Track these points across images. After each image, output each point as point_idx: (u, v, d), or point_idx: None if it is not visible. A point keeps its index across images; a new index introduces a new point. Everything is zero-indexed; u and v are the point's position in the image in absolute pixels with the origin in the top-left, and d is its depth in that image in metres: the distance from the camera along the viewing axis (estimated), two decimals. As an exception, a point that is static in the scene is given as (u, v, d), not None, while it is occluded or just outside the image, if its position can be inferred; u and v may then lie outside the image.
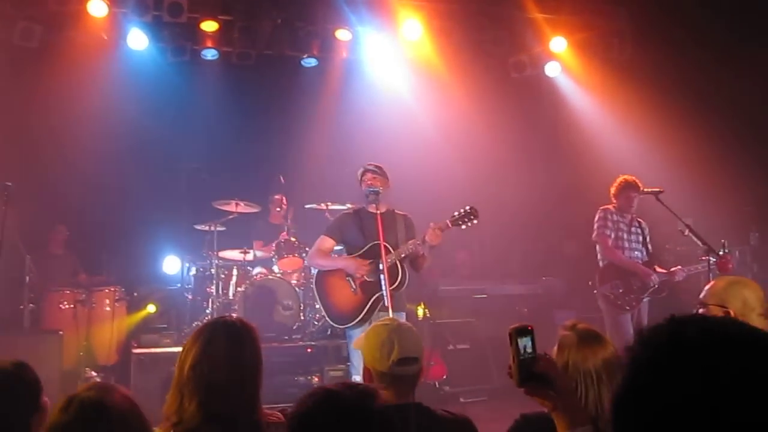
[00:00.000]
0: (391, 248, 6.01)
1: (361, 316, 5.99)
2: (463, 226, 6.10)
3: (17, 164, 8.47)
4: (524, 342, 2.33)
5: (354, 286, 6.09)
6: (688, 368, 1.20)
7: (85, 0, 8.12)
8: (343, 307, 6.11)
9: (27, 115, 8.98)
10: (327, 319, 6.37)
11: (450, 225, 6.05)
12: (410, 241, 6.09)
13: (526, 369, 2.34)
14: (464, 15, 9.38)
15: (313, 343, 8.40)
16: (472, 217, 6.08)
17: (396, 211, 6.37)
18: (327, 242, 6.33)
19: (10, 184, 6.28)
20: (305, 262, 8.11)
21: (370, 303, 6.00)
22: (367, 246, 6.11)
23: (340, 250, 6.52)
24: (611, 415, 1.28)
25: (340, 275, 6.16)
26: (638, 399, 1.24)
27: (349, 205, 7.29)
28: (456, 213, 6.10)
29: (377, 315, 5.95)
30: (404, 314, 6.05)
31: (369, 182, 6.19)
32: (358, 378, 5.78)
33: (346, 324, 6.10)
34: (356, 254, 6.16)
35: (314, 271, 6.64)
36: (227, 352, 2.79)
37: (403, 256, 6.02)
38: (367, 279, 6.05)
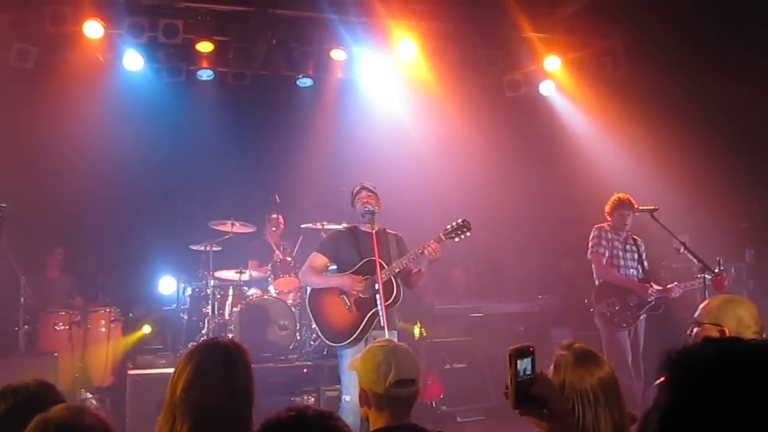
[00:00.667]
0: (385, 265, 6.01)
1: (356, 333, 5.96)
2: (456, 239, 6.11)
3: (13, 185, 8.44)
4: (524, 363, 2.32)
5: (349, 303, 6.06)
6: (742, 379, 1.38)
7: (81, 21, 8.14)
8: (338, 325, 6.06)
9: (23, 136, 8.98)
10: (321, 337, 6.30)
11: (443, 238, 6.06)
12: (405, 255, 6.09)
13: (522, 391, 2.33)
14: (458, 34, 9.41)
15: (309, 363, 8.38)
16: (465, 229, 6.10)
17: (387, 230, 6.37)
18: (320, 259, 6.30)
19: (4, 205, 6.26)
20: (299, 280, 8.03)
21: (365, 320, 5.97)
22: (361, 262, 6.10)
23: (333, 269, 6.47)
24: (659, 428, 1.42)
25: (334, 293, 6.13)
26: (695, 412, 1.39)
27: (345, 225, 7.28)
28: (449, 226, 6.12)
29: (371, 333, 5.95)
30: (396, 333, 6.02)
31: (364, 200, 6.19)
32: (347, 398, 5.78)
33: (341, 342, 6.03)
34: (350, 271, 6.14)
35: (308, 290, 6.58)
36: (220, 373, 2.77)
37: (397, 271, 6.02)
38: (362, 295, 6.03)
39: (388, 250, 6.17)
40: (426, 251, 5.97)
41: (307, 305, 6.36)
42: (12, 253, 7.47)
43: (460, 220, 6.13)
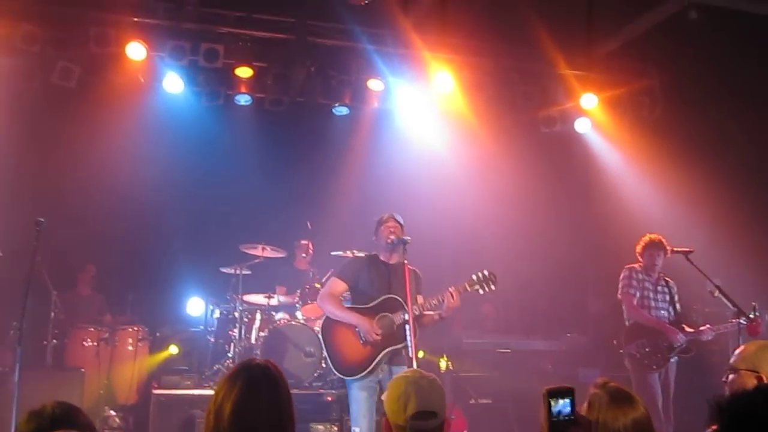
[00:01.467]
0: (403, 302, 5.89)
1: (368, 369, 5.87)
2: (481, 291, 6.05)
3: (50, 201, 8.60)
4: (561, 404, 2.28)
5: (363, 338, 5.93)
6: None
7: (124, 43, 8.28)
8: (350, 358, 5.96)
9: (62, 154, 9.15)
10: (331, 367, 6.17)
11: (468, 289, 6.00)
12: (425, 302, 6.00)
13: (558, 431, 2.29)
14: (495, 69, 9.45)
15: (333, 391, 8.32)
16: (490, 282, 6.04)
17: (406, 263, 6.29)
18: (340, 286, 6.20)
19: (42, 219, 6.34)
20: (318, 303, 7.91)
21: (378, 357, 5.88)
22: (381, 298, 6.02)
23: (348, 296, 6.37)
24: None
25: (348, 325, 6.01)
26: None
27: (365, 253, 7.18)
28: (474, 276, 6.05)
29: (383, 367, 5.90)
30: (405, 368, 5.90)
31: (392, 230, 6.13)
32: (356, 429, 5.72)
33: (351, 375, 5.93)
34: (369, 305, 6.03)
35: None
36: (267, 396, 2.72)
37: (416, 314, 5.94)
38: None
39: (405, 285, 6.06)
40: (446, 302, 5.91)
41: (320, 332, 6.28)
42: (45, 268, 7.54)
43: (486, 272, 6.06)
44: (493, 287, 6.05)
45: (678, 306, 7.47)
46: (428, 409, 3.02)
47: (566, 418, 2.28)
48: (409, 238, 6.02)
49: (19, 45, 7.98)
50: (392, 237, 6.07)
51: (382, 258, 6.23)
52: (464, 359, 9.17)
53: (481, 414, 8.71)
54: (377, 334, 5.87)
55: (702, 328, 7.26)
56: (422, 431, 3.02)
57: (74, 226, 9.06)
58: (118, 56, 8.43)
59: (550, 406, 2.27)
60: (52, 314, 8.24)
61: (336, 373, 6.18)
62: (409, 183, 9.94)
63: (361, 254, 7.21)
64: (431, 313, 6.05)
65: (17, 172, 8.93)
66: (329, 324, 6.14)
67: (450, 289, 5.93)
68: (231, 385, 2.72)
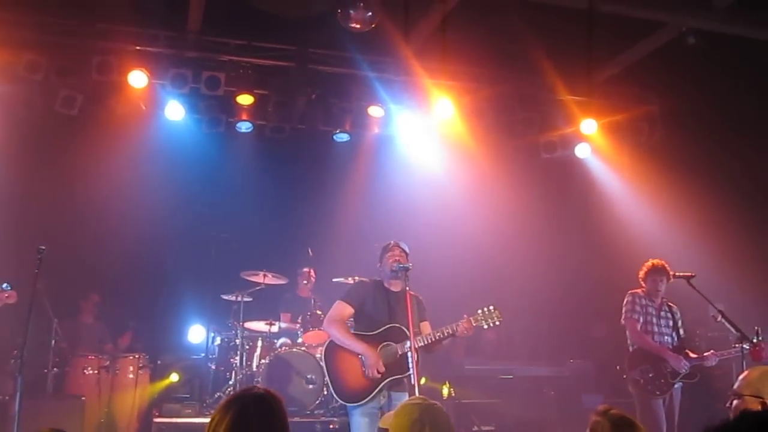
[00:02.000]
0: (406, 332, 5.87)
1: (370, 396, 5.84)
2: (485, 326, 6.09)
3: (52, 229, 8.60)
4: None
5: (366, 368, 5.91)
6: None
7: (126, 71, 8.34)
8: (353, 385, 5.92)
9: (64, 181, 9.17)
10: (333, 392, 6.13)
11: (473, 323, 6.04)
12: (437, 330, 6.02)
13: None
14: (495, 96, 9.50)
15: (335, 418, 8.27)
16: (495, 318, 6.09)
17: (409, 291, 6.28)
18: (347, 310, 6.15)
19: (43, 247, 6.34)
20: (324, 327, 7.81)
21: (381, 385, 5.85)
22: (386, 327, 5.99)
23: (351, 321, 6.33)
24: None
25: (352, 352, 5.97)
26: None
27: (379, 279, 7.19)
28: (480, 311, 6.09)
29: (384, 394, 5.87)
30: (407, 395, 5.88)
31: (397, 258, 6.13)
32: None
33: (353, 402, 5.89)
34: (374, 332, 6.00)
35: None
36: (258, 425, 2.72)
37: (422, 345, 5.94)
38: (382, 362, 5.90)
39: (410, 314, 6.06)
40: (459, 332, 5.96)
41: (323, 356, 6.19)
42: (46, 295, 7.53)
43: (492, 307, 6.11)
44: (497, 323, 6.10)
45: (681, 331, 7.44)
46: None
47: None
48: (410, 264, 6.02)
49: (22, 73, 8.05)
50: (393, 265, 6.07)
51: (386, 285, 6.22)
52: (467, 386, 9.13)
53: (484, 441, 8.66)
54: (379, 371, 5.83)
55: (706, 353, 7.22)
56: None
57: (76, 253, 9.07)
58: (120, 84, 8.49)
59: None
60: (53, 342, 8.20)
61: (337, 398, 6.12)
62: (410, 209, 9.95)
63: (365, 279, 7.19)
64: (439, 339, 6.04)
65: (19, 200, 8.94)
66: (332, 349, 6.09)
67: (464, 320, 5.99)
68: (224, 413, 2.72)
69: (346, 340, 6.01)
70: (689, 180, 9.01)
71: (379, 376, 5.84)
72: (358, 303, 6.15)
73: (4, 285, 5.95)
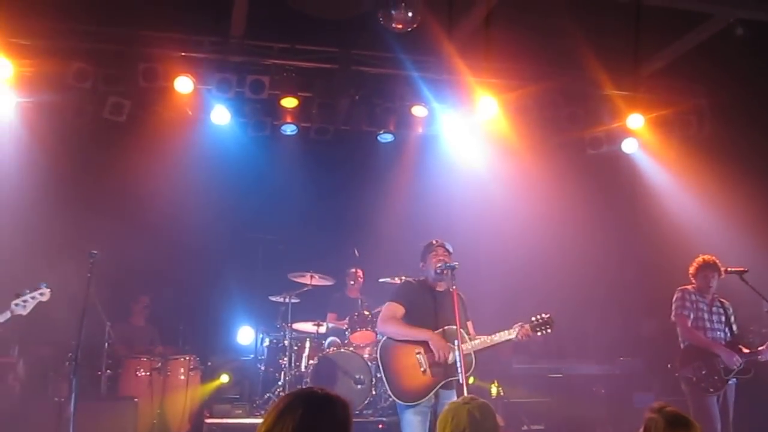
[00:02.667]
0: (464, 334, 5.89)
1: (427, 397, 5.83)
2: (539, 333, 6.10)
3: (103, 233, 8.76)
4: None
5: (424, 366, 5.88)
6: None
7: (172, 78, 8.46)
8: (410, 385, 5.90)
9: (114, 186, 9.34)
10: (389, 391, 6.09)
11: (530, 331, 6.05)
12: (495, 335, 6.00)
13: None
14: (539, 92, 9.41)
15: (384, 419, 8.29)
16: (548, 326, 6.10)
17: (456, 290, 6.25)
18: (399, 309, 6.09)
19: (95, 252, 6.46)
20: (378, 328, 7.52)
21: (438, 386, 5.84)
22: (440, 330, 5.95)
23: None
24: None
25: (409, 351, 5.94)
26: None
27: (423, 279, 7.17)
28: (534, 318, 6.09)
29: (437, 392, 5.85)
30: (455, 393, 5.87)
31: (441, 257, 6.11)
32: None
33: (410, 401, 5.87)
34: None
35: (381, 340, 6.34)
36: (298, 424, 2.60)
37: (480, 348, 5.94)
38: (438, 361, 5.88)
39: (459, 314, 6.05)
40: (518, 337, 5.99)
41: (378, 356, 6.19)
42: (98, 299, 7.67)
43: (545, 315, 6.11)
44: (549, 330, 6.11)
45: (735, 327, 7.31)
46: None
47: None
48: (457, 263, 6.00)
49: (71, 82, 8.20)
50: (440, 265, 6.06)
51: (431, 284, 6.21)
52: (516, 384, 9.08)
53: (534, 440, 8.61)
54: (448, 349, 5.81)
55: (760, 348, 7.08)
56: None
57: (126, 257, 9.21)
58: (166, 90, 8.61)
59: None
60: (106, 345, 8.35)
61: (393, 397, 6.09)
62: (455, 208, 9.94)
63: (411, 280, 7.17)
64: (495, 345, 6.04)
65: (71, 206, 9.13)
66: (387, 348, 6.07)
67: (523, 327, 6.03)
68: (271, 411, 2.63)
69: (408, 332, 5.98)
70: (740, 174, 8.83)
71: (449, 355, 5.82)
72: (407, 303, 6.11)
73: (42, 284, 6.08)
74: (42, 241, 8.70)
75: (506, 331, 6.00)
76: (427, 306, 6.09)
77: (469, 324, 6.17)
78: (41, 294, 6.05)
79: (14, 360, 8.10)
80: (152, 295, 9.53)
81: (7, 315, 5.91)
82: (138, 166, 9.15)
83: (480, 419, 3.05)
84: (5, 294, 6.47)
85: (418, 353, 5.92)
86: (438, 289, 6.17)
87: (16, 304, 5.91)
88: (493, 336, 5.97)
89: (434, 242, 6.24)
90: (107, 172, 9.25)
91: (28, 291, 6.00)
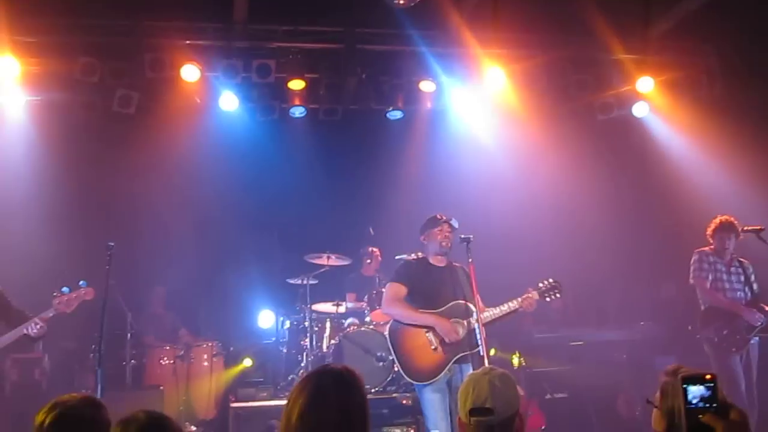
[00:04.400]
0: (472, 306, 5.92)
1: (441, 374, 5.87)
2: (547, 299, 6.12)
3: (119, 225, 8.84)
4: (697, 391, 2.23)
5: (435, 344, 5.92)
6: None
7: (178, 66, 8.46)
8: (422, 364, 5.95)
9: (127, 178, 9.39)
10: (402, 372, 6.14)
11: (537, 296, 6.05)
12: (503, 306, 6.01)
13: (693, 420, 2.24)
14: (548, 61, 9.33)
15: (407, 394, 8.33)
16: (556, 290, 6.12)
17: (454, 263, 6.25)
18: (401, 290, 6.10)
19: (112, 243, 6.51)
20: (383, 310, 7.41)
21: (450, 363, 5.88)
22: (450, 304, 5.99)
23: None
24: None
25: (419, 331, 5.97)
26: None
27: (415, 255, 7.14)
28: (541, 284, 6.12)
29: (452, 368, 5.88)
30: (471, 366, 5.90)
31: (447, 234, 6.11)
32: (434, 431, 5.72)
33: (423, 381, 5.92)
34: (438, 310, 6.00)
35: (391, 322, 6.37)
36: (334, 400, 2.72)
37: (489, 321, 5.96)
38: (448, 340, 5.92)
39: (461, 286, 6.07)
40: (524, 306, 5.99)
41: (388, 338, 6.22)
42: (119, 290, 7.74)
43: (551, 280, 6.13)
44: (558, 295, 6.12)
45: (755, 286, 7.29)
46: (482, 405, 3.00)
47: (705, 406, 2.21)
48: (472, 236, 6.00)
49: (78, 77, 8.23)
50: (447, 242, 6.09)
51: (431, 261, 6.22)
52: (537, 354, 9.10)
53: (558, 408, 8.63)
54: (456, 333, 5.86)
55: (781, 304, 7.07)
56: (481, 427, 3.00)
57: (143, 247, 9.30)
58: (173, 79, 8.61)
59: (686, 393, 2.22)
60: (129, 335, 8.44)
61: (406, 377, 6.14)
62: (466, 180, 9.91)
63: (410, 258, 7.14)
64: (502, 316, 6.05)
65: (86, 199, 9.21)
66: (396, 330, 6.11)
67: (528, 295, 6.03)
68: (301, 389, 2.75)
69: (412, 316, 6.01)
70: (754, 132, 8.73)
71: (458, 338, 5.85)
72: (409, 283, 6.12)
73: (81, 282, 6.13)
74: (58, 237, 8.76)
75: (510, 302, 6.02)
76: (428, 284, 6.10)
77: (477, 297, 6.14)
78: (85, 293, 6.12)
79: (40, 355, 8.18)
80: (171, 284, 9.59)
81: (51, 312, 6.00)
82: (149, 157, 9.18)
83: (501, 388, 3.05)
84: (32, 290, 6.58)
85: (428, 332, 5.96)
86: (438, 264, 6.17)
87: (59, 303, 5.99)
88: (501, 306, 5.99)
89: (438, 217, 6.22)
90: (119, 165, 9.29)
91: (67, 289, 6.06)
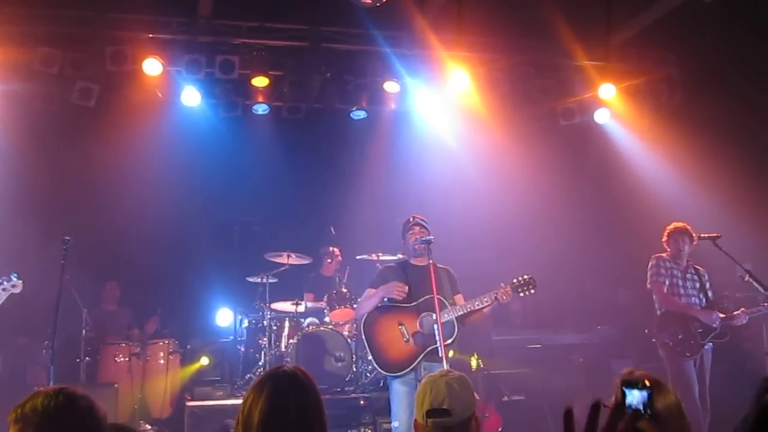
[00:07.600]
0: (445, 302, 5.99)
1: (412, 365, 5.96)
2: (521, 294, 6.18)
3: (75, 220, 8.69)
4: (638, 397, 2.22)
5: (407, 336, 6.04)
6: None
7: (140, 60, 8.36)
8: (393, 355, 6.06)
9: (85, 172, 9.23)
10: (375, 364, 6.26)
11: (511, 291, 6.09)
12: (475, 299, 6.07)
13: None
14: (511, 65, 9.40)
15: (365, 395, 8.32)
16: (530, 286, 6.19)
17: (438, 264, 6.32)
18: None
19: (68, 238, 6.41)
20: (356, 314, 7.79)
21: (421, 356, 5.96)
22: (423, 298, 6.06)
23: (386, 303, 6.30)
24: None
25: (392, 324, 6.10)
26: None
27: (400, 256, 7.27)
28: (515, 280, 6.18)
29: (423, 364, 5.95)
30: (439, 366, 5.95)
31: (417, 234, 6.20)
32: (396, 424, 5.88)
33: (395, 372, 6.03)
34: (412, 304, 6.10)
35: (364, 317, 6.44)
36: (294, 404, 2.70)
37: (461, 314, 6.02)
38: (422, 331, 6.01)
39: (440, 285, 6.12)
40: (499, 298, 6.03)
41: (362, 330, 6.30)
42: (73, 286, 7.61)
43: (527, 276, 6.20)
44: (532, 291, 6.20)
45: (710, 293, 7.39)
46: (439, 407, 3.02)
47: (641, 412, 2.21)
48: (432, 237, 6.06)
49: (37, 68, 8.09)
50: (415, 240, 6.18)
51: (412, 262, 6.33)
52: (495, 357, 9.13)
53: (515, 410, 8.65)
54: (402, 288, 6.02)
55: (736, 312, 7.18)
56: (438, 429, 3.01)
57: (100, 242, 9.16)
58: (135, 73, 8.52)
59: (624, 394, 2.21)
60: (84, 332, 8.30)
61: (378, 369, 6.25)
62: (430, 182, 9.93)
63: (394, 257, 7.28)
64: (480, 308, 6.11)
65: (42, 193, 9.04)
66: (371, 322, 6.21)
67: (502, 286, 6.08)
68: (258, 393, 2.71)
69: (371, 298, 6.21)
70: (711, 142, 8.87)
71: (404, 290, 6.02)
72: (382, 285, 6.25)
73: (13, 275, 5.97)
74: (13, 230, 8.59)
75: (488, 295, 6.07)
76: (405, 283, 6.17)
77: (458, 297, 6.27)
78: (13, 286, 5.96)
79: (-10, 351, 8.02)
80: (127, 280, 9.46)
81: None
82: (108, 150, 9.04)
83: (459, 390, 3.07)
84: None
85: (401, 325, 6.08)
86: (419, 264, 6.25)
87: None
88: (474, 301, 6.04)
89: (411, 219, 6.36)
90: (77, 158, 9.13)
91: (16, 275, 5.91)
